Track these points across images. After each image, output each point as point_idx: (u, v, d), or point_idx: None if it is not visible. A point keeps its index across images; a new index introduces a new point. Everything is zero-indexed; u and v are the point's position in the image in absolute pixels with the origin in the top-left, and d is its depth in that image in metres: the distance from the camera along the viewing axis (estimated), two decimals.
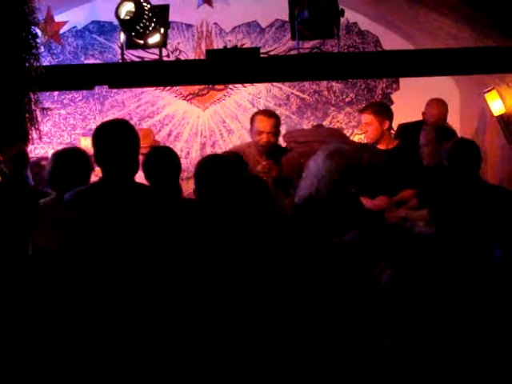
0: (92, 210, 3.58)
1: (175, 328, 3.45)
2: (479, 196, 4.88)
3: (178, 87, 8.05)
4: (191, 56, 8.03)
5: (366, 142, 7.01)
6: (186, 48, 8.07)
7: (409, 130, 6.71)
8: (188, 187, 7.86)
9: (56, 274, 3.11)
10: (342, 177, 4.90)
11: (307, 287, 3.76)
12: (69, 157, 4.65)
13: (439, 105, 6.73)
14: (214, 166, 4.67)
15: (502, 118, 6.59)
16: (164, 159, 4.77)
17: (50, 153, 7.55)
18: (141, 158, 4.94)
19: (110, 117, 7.73)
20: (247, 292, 3.69)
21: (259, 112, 6.30)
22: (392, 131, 6.54)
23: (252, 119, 6.14)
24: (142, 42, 5.61)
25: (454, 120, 7.03)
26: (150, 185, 4.65)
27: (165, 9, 5.66)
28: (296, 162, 6.08)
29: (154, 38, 5.59)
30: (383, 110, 6.34)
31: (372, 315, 4.14)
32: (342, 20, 5.78)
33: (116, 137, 3.82)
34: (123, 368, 3.02)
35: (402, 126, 6.97)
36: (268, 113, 6.18)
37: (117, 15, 5.36)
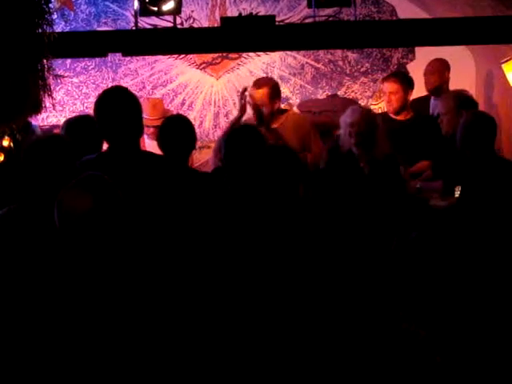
0: None
1: (181, 307, 3.42)
2: (493, 170, 4.85)
3: (191, 56, 7.98)
4: (205, 24, 7.96)
5: (382, 111, 6.97)
6: (199, 16, 7.99)
7: (417, 104, 6.67)
8: (200, 157, 7.84)
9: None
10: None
11: (322, 262, 3.73)
12: (81, 124, 4.63)
13: (435, 62, 6.70)
14: (246, 135, 4.57)
15: None
16: (178, 128, 4.72)
17: (62, 121, 7.55)
18: (152, 130, 4.93)
19: (123, 85, 7.68)
20: (261, 268, 3.66)
21: (254, 82, 6.08)
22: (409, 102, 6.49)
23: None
24: (156, 8, 5.56)
25: (468, 91, 6.94)
26: (163, 154, 4.60)
27: None
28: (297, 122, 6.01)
29: (169, 5, 5.54)
30: (408, 80, 6.32)
31: (387, 287, 4.12)
32: None
33: (114, 105, 3.82)
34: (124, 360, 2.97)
35: (411, 101, 6.92)
36: (257, 84, 5.93)
37: None
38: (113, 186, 2.99)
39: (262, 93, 5.80)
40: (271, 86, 5.87)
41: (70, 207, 2.90)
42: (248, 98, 5.91)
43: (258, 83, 5.92)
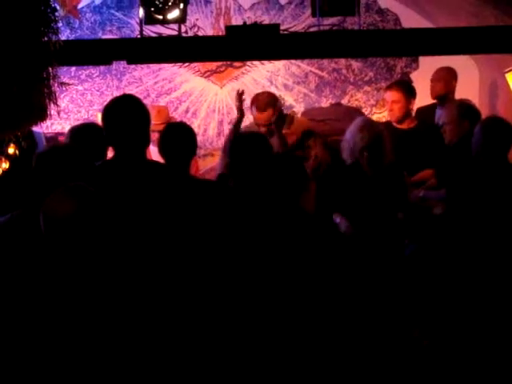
0: (104, 187, 3.55)
1: (188, 312, 3.43)
2: (503, 177, 4.84)
3: (195, 64, 8.00)
4: (209, 33, 7.98)
5: (385, 120, 6.98)
6: (204, 24, 8.02)
7: (423, 113, 6.68)
8: (204, 165, 7.86)
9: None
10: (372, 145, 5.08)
11: (327, 267, 3.73)
12: (85, 132, 4.64)
13: (442, 70, 6.70)
14: (251, 142, 4.56)
15: None
16: (178, 134, 4.72)
17: (67, 129, 7.56)
18: (157, 135, 4.92)
19: (127, 93, 7.70)
20: (266, 274, 3.66)
21: (254, 101, 6.05)
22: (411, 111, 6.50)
23: (251, 102, 6.05)
24: (160, 17, 5.58)
25: (472, 100, 6.95)
26: (164, 161, 4.61)
27: None
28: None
29: (174, 14, 5.57)
30: (410, 89, 6.33)
31: (391, 295, 4.12)
32: None
33: (124, 113, 3.80)
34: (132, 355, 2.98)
35: (417, 110, 6.93)
36: (261, 106, 5.94)
37: None
38: (95, 194, 3.05)
39: (266, 115, 5.89)
40: (274, 107, 5.93)
41: (53, 211, 2.97)
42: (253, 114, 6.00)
43: (260, 106, 5.93)
